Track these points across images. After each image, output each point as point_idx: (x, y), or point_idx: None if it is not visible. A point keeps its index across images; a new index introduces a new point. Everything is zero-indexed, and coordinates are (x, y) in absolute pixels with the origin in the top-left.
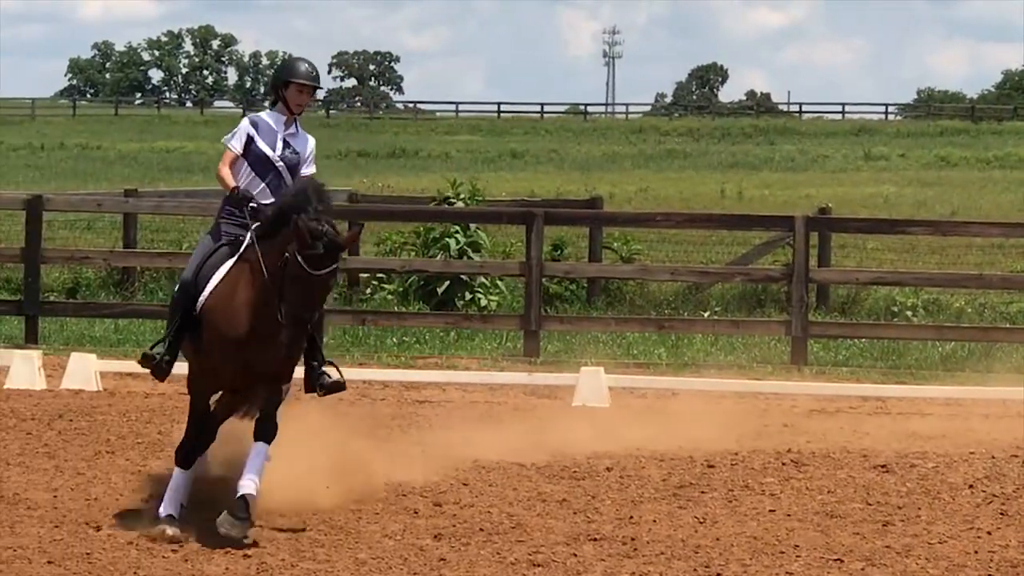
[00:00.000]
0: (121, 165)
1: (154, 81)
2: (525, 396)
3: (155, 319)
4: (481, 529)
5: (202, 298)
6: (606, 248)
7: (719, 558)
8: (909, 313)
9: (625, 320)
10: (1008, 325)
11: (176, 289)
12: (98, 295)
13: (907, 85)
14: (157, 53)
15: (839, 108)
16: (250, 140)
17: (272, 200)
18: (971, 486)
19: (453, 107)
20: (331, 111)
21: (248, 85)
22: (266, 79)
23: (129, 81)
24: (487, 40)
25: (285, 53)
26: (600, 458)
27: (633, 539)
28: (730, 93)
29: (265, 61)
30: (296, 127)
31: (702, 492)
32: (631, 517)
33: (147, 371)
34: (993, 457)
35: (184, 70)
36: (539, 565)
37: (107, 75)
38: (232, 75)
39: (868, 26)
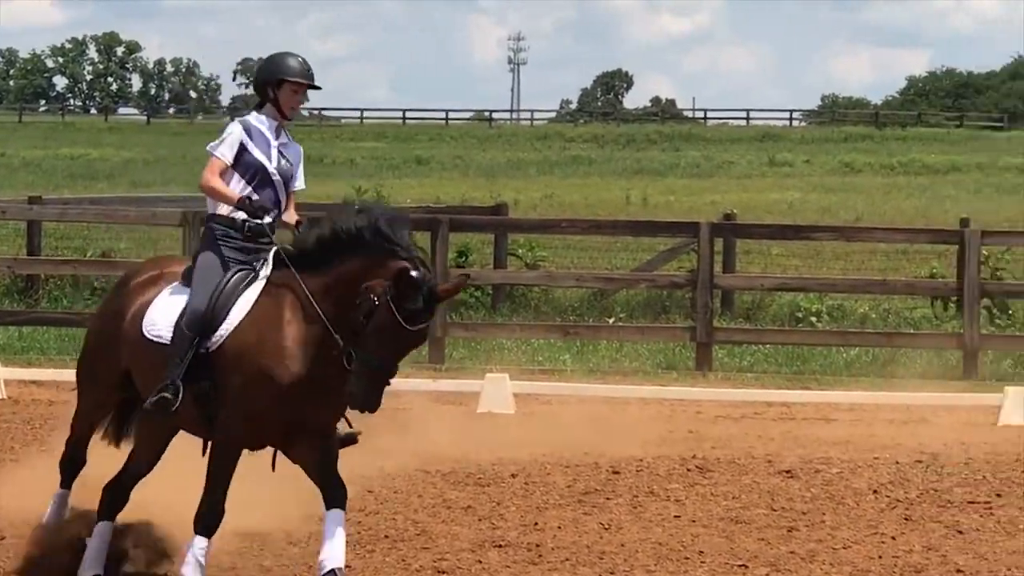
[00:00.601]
0: (25, 172)
1: (58, 88)
2: (430, 403)
3: (59, 327)
4: (386, 536)
5: (220, 335)
6: (511, 255)
7: (624, 564)
8: (814, 319)
9: (530, 327)
10: (912, 331)
11: (182, 321)
12: (2, 303)
13: (811, 91)
14: (61, 60)
15: (744, 114)
16: (242, 148)
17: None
18: (875, 491)
19: (358, 113)
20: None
21: (152, 92)
22: (171, 86)
23: (33, 88)
24: (392, 46)
25: (189, 60)
26: (505, 464)
27: (538, 545)
28: (635, 99)
29: (169, 68)
30: (286, 134)
31: (607, 498)
32: (536, 523)
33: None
34: (897, 462)
35: (88, 77)
36: (444, 572)
37: (11, 82)
38: (136, 82)
39: (772, 32)
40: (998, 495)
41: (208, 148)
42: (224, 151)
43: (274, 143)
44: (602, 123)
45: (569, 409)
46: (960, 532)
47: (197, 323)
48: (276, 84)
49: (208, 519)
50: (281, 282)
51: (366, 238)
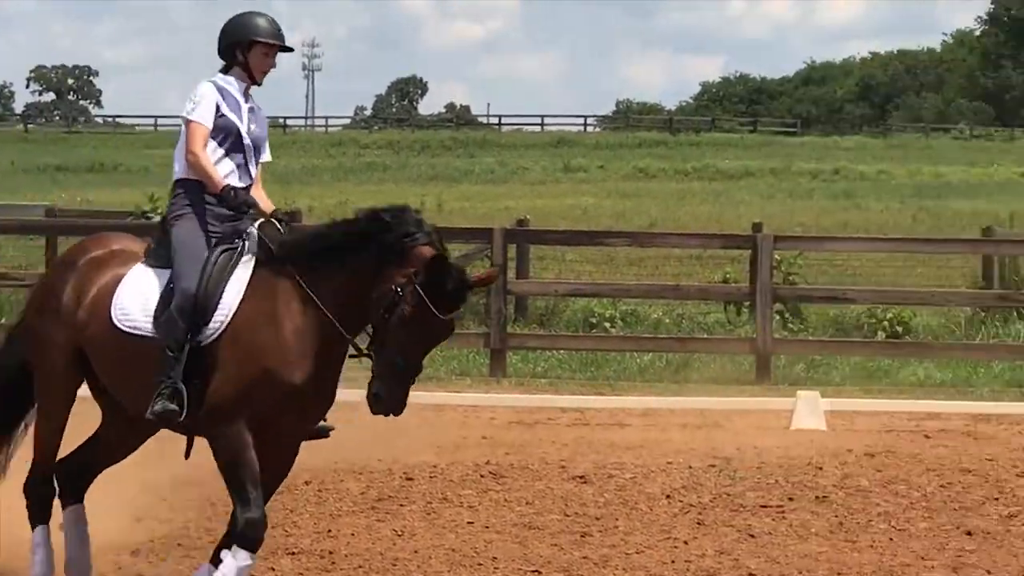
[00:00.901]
0: None
1: None
2: None
3: None
4: (179, 544)
5: (214, 327)
6: None
7: (417, 571)
8: (607, 324)
9: None
10: (705, 335)
11: (172, 308)
12: None
13: (606, 97)
14: None
15: (538, 120)
16: (216, 109)
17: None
18: (668, 496)
19: (152, 121)
20: (29, 125)
21: None
22: None
23: None
24: (185, 53)
25: None
26: (298, 472)
27: (331, 552)
28: (430, 106)
29: None
30: (253, 99)
31: (400, 505)
32: (329, 531)
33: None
34: (690, 467)
35: None
36: None
37: None
38: None
39: (567, 38)
40: (790, 499)
41: (184, 114)
42: (203, 115)
43: (244, 106)
44: (397, 129)
45: (363, 416)
46: (752, 536)
47: (190, 310)
48: (246, 46)
49: (251, 531)
50: (272, 267)
51: (374, 225)
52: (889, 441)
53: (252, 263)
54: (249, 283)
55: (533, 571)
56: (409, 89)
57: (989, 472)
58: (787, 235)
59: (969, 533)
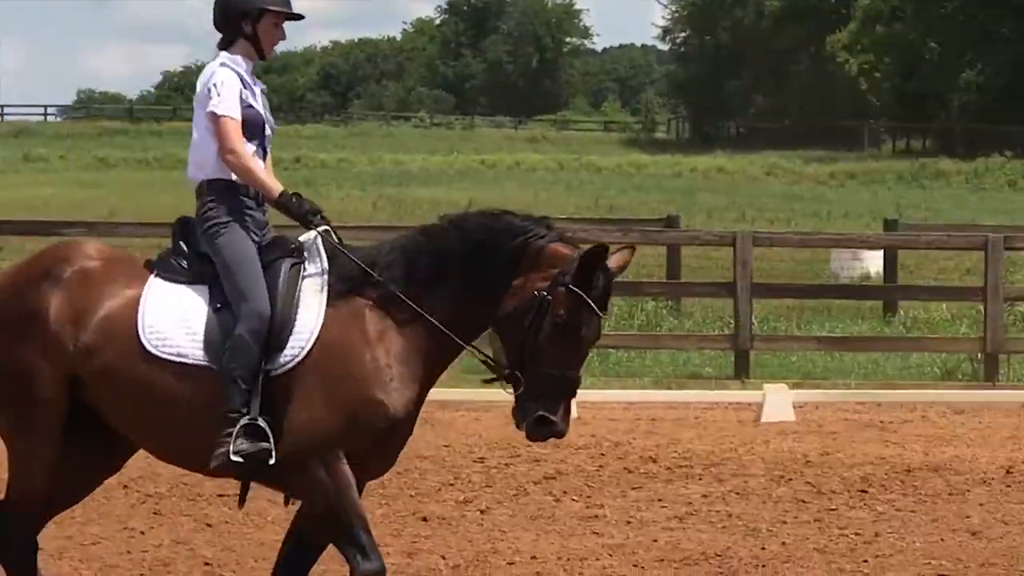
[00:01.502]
0: None
1: None
2: None
3: None
4: None
5: (291, 354)
6: None
7: None
8: None
9: None
10: None
11: (241, 331)
12: None
13: (67, 86)
14: None
15: None
16: (241, 100)
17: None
18: (125, 486)
19: None
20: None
21: None
22: None
23: None
24: None
25: None
26: None
27: None
28: None
29: None
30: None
31: None
32: None
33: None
34: (147, 457)
35: None
36: None
37: None
38: None
39: (26, 29)
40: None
41: (212, 108)
42: (232, 107)
43: (257, 90)
44: None
45: None
46: (209, 525)
47: (263, 334)
48: (256, 16)
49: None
50: (356, 281)
51: (487, 232)
52: None
53: (325, 278)
54: (329, 301)
55: None
56: None
57: (446, 458)
58: None
59: (425, 519)
